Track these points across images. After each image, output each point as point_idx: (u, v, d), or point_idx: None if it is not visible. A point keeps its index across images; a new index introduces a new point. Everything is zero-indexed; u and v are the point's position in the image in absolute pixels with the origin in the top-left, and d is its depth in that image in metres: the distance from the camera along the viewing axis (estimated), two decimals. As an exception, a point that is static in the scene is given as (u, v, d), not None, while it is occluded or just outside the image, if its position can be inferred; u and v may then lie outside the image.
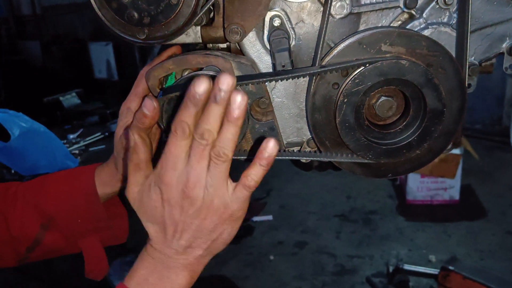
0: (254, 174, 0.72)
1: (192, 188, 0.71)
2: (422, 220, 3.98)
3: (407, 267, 3.24)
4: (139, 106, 1.03)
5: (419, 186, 4.15)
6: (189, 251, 0.77)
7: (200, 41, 0.94)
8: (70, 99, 5.36)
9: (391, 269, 3.24)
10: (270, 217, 4.18)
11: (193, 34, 0.93)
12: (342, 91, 0.79)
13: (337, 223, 4.06)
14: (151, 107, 0.73)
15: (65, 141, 5.74)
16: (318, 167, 1.02)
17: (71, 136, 6.01)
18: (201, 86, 0.65)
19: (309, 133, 0.95)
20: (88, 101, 6.33)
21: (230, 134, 0.68)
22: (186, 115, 0.68)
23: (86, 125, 6.65)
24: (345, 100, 0.79)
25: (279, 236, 3.91)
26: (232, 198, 0.74)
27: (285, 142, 0.95)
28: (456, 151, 3.85)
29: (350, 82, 0.78)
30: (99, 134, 6.08)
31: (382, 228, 3.92)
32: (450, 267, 2.75)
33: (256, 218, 4.15)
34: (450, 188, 4.13)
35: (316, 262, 3.54)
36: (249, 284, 3.32)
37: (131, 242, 1.22)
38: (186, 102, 0.67)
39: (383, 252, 3.60)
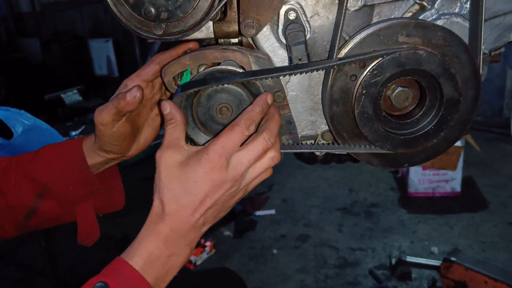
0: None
1: (241, 172, 0.81)
2: (424, 212, 4.00)
3: (409, 259, 3.25)
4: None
5: (421, 179, 4.16)
6: (201, 228, 0.83)
7: (212, 36, 0.94)
8: (71, 96, 5.35)
9: (393, 261, 3.26)
10: (272, 211, 4.20)
11: (205, 30, 0.93)
12: (360, 82, 0.80)
13: (339, 216, 4.08)
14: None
15: (67, 138, 5.73)
16: (323, 160, 1.03)
17: (73, 133, 5.99)
18: (271, 98, 0.86)
19: (323, 126, 0.95)
20: (89, 98, 6.32)
21: (279, 142, 0.87)
22: (257, 115, 0.83)
23: (88, 122, 6.63)
24: (364, 91, 0.80)
25: (282, 230, 3.93)
26: (253, 184, 0.86)
27: (299, 135, 0.96)
28: (458, 143, 3.87)
29: (368, 73, 0.79)
30: (100, 130, 6.03)
31: (384, 221, 3.94)
32: (453, 259, 2.76)
33: (258, 213, 4.16)
34: (451, 180, 4.15)
35: (318, 255, 3.56)
36: (252, 278, 3.33)
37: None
38: (259, 105, 0.84)
39: (385, 244, 3.62)
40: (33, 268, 3.52)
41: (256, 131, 0.83)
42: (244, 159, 0.80)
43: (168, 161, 0.82)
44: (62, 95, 5.25)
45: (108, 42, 7.00)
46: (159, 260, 0.80)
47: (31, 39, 8.17)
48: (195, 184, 0.79)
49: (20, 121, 3.04)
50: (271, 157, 0.83)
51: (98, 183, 1.10)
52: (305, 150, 0.91)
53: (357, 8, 0.87)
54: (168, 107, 0.83)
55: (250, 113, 0.82)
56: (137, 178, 3.74)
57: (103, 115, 0.94)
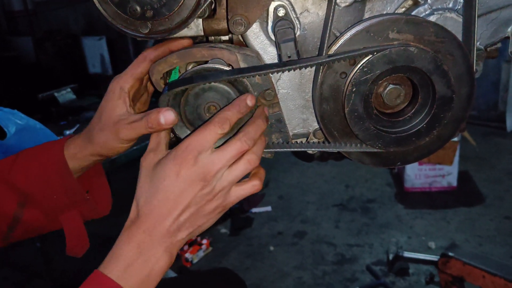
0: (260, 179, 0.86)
1: (213, 173, 0.78)
2: (421, 207, 4.00)
3: (407, 254, 3.25)
4: (140, 94, 1.03)
5: (417, 174, 4.16)
6: (177, 233, 0.80)
7: (202, 34, 0.93)
8: (65, 94, 5.30)
9: (391, 256, 3.25)
10: (269, 208, 4.19)
11: (194, 27, 0.92)
12: (350, 80, 0.79)
13: (336, 212, 4.07)
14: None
15: (61, 137, 5.67)
16: (320, 158, 1.02)
17: (68, 132, 5.94)
18: (252, 100, 0.83)
19: (315, 124, 0.94)
20: (83, 97, 6.27)
21: (263, 147, 0.85)
22: (233, 115, 0.81)
23: (82, 121, 6.58)
24: (354, 89, 0.78)
25: (279, 226, 3.92)
26: (236, 194, 0.84)
27: (291, 133, 0.94)
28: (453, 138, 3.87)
29: (358, 71, 0.78)
30: (95, 129, 5.98)
31: (381, 216, 3.93)
32: (450, 253, 2.76)
33: (255, 209, 4.15)
34: (448, 175, 4.15)
35: (316, 251, 3.55)
36: (249, 275, 3.32)
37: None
38: (236, 105, 0.81)
39: (382, 240, 3.62)
40: (28, 270, 3.51)
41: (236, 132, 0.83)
42: (216, 159, 0.78)
43: (146, 164, 0.82)
44: (56, 94, 5.20)
45: (101, 40, 6.94)
46: (134, 266, 0.78)
47: (23, 38, 8.10)
48: (163, 182, 0.78)
49: (13, 121, 3.02)
50: (248, 160, 0.81)
51: (82, 190, 1.05)
52: (295, 149, 0.89)
53: (347, 4, 0.86)
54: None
55: (225, 112, 0.81)
56: (131, 178, 3.72)
57: (130, 134, 0.90)
